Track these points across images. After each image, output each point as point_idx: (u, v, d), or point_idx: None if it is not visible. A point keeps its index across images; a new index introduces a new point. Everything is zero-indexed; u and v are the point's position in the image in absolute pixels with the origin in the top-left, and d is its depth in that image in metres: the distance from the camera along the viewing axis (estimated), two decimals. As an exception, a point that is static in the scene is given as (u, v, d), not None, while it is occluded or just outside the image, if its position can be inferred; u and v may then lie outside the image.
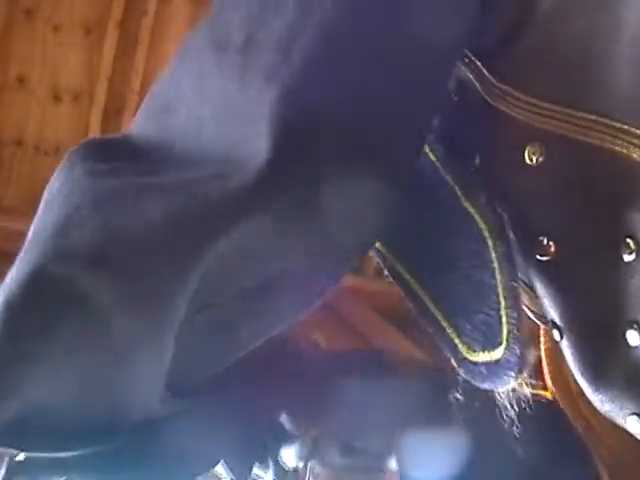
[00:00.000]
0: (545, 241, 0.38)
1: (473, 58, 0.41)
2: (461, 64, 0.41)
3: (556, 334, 0.40)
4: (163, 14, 3.30)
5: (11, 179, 3.23)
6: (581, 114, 0.37)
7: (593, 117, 0.37)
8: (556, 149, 0.38)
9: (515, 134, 0.40)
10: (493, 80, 0.40)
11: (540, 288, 0.40)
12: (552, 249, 0.38)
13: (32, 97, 3.22)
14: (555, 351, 0.43)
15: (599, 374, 0.38)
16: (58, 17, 3.20)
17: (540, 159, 0.38)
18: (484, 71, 0.41)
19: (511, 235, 0.39)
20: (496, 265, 0.38)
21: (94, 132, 3.25)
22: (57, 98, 3.26)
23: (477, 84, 0.41)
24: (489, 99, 0.40)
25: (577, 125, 0.37)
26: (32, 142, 3.24)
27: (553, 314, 0.40)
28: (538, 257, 0.39)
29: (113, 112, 3.29)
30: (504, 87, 0.40)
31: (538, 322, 0.44)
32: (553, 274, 0.39)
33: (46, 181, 0.42)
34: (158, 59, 3.35)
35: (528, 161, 0.39)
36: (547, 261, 0.38)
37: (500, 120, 0.40)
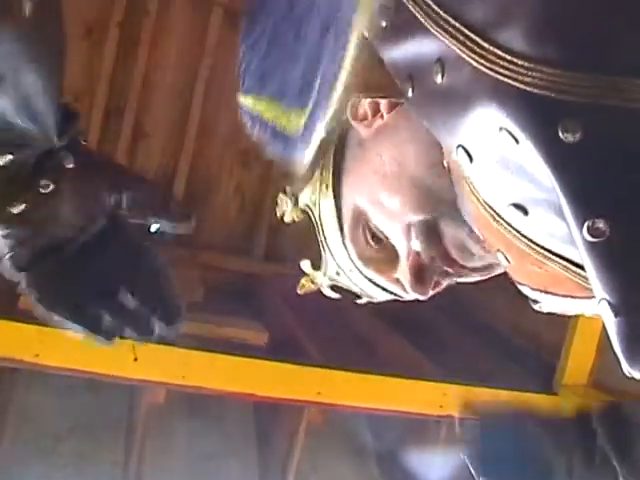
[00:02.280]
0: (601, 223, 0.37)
1: None
2: None
3: (608, 312, 0.39)
4: (164, 15, 3.30)
5: (11, 179, 3.22)
6: None
7: None
8: None
9: None
10: None
11: (591, 268, 0.39)
12: (607, 231, 0.37)
13: (33, 97, 3.21)
14: None
15: None
16: (59, 17, 3.20)
17: None
18: None
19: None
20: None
21: (95, 132, 3.25)
22: (58, 98, 3.25)
23: None
24: None
25: None
26: (32, 142, 3.23)
27: (604, 293, 0.39)
28: (590, 239, 0.38)
29: (114, 112, 3.29)
30: None
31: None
32: (605, 254, 0.38)
33: (46, 181, 0.41)
34: (159, 60, 3.35)
35: None
36: (598, 242, 0.37)
37: None
